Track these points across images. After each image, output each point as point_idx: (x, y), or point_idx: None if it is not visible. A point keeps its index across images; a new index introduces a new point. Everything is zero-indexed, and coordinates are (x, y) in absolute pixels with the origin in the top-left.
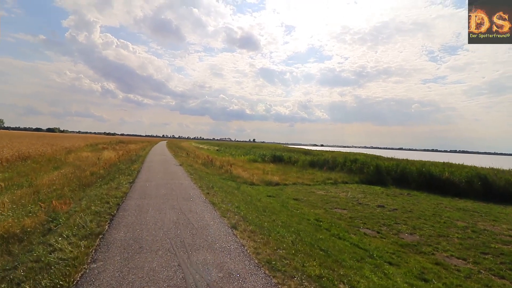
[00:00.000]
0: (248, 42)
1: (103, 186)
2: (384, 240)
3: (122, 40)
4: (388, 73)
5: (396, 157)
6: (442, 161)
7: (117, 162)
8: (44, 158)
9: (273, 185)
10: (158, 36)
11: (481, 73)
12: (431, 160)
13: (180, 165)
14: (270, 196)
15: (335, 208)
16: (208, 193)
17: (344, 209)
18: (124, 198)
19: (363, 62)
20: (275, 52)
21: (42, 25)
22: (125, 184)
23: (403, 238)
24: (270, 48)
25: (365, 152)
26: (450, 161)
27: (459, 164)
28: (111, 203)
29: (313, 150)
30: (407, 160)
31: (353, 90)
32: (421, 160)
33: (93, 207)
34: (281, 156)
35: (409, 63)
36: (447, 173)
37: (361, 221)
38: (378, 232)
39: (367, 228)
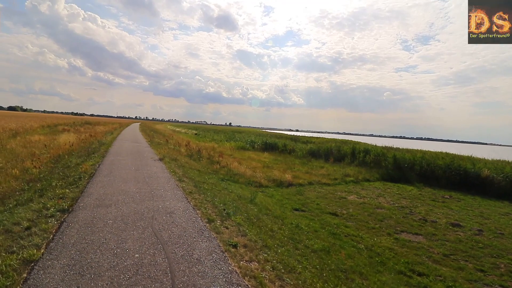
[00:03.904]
0: (225, 22)
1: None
2: None
3: (89, 13)
4: (363, 60)
5: (415, 149)
6: (467, 155)
7: (70, 151)
8: None
9: (286, 187)
10: (129, 10)
11: (450, 63)
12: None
13: (161, 159)
14: (297, 210)
15: (400, 231)
16: (233, 246)
17: (414, 233)
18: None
19: (340, 48)
20: (253, 33)
21: None
22: (53, 213)
23: None
24: (248, 29)
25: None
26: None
27: (486, 159)
28: None
29: (306, 136)
30: (432, 152)
31: (329, 76)
32: (445, 152)
33: None
34: (274, 144)
35: (384, 51)
36: (486, 171)
37: (468, 263)
38: None
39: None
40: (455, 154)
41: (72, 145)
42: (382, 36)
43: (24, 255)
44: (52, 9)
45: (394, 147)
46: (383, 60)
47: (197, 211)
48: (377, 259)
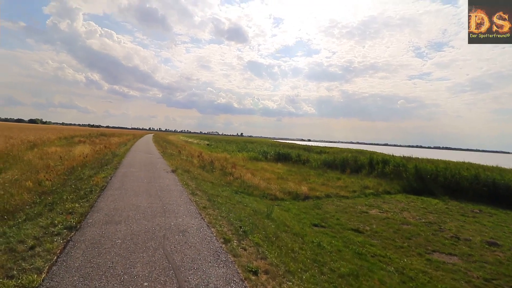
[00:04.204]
0: (236, 34)
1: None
2: None
3: (106, 29)
4: (375, 68)
5: (435, 158)
6: (493, 165)
7: (84, 162)
8: None
9: (302, 199)
10: (143, 26)
11: (465, 70)
12: (444, 160)
13: (173, 171)
14: (316, 225)
15: (431, 251)
16: (254, 273)
17: (448, 253)
18: None
19: (351, 56)
20: (263, 44)
21: (23, 11)
22: (60, 230)
23: None
24: (258, 41)
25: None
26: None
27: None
28: None
29: (319, 146)
30: (454, 162)
31: (340, 85)
32: (468, 162)
33: None
34: (287, 154)
35: (396, 59)
36: None
37: None
38: None
39: None
40: (479, 164)
41: (86, 156)
42: (394, 43)
43: (23, 281)
44: (71, 27)
45: (413, 157)
46: (395, 68)
47: (212, 229)
48: (411, 284)
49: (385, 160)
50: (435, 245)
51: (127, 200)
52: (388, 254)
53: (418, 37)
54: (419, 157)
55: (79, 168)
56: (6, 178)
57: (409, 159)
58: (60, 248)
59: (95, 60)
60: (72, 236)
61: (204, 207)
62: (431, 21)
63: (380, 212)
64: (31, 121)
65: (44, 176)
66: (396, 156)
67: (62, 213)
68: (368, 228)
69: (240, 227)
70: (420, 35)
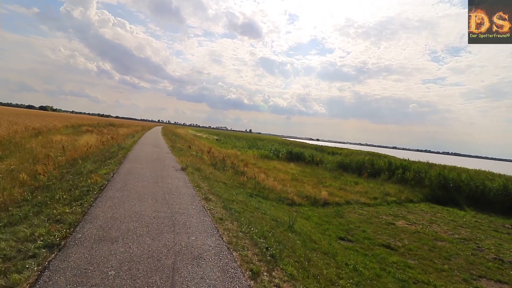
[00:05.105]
0: (249, 29)
1: None
2: None
3: (119, 18)
4: (389, 70)
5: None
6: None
7: (87, 154)
8: None
9: (321, 205)
10: (156, 17)
11: (481, 76)
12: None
13: (183, 169)
14: (343, 239)
15: (477, 277)
16: None
17: (496, 280)
18: None
19: (365, 57)
20: (276, 41)
21: None
22: (38, 248)
23: None
24: (272, 37)
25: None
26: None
27: None
28: None
29: (330, 146)
30: (472, 170)
31: (352, 86)
32: (489, 171)
33: None
34: (299, 154)
35: (411, 62)
36: None
37: None
38: None
39: None
40: (501, 174)
41: (90, 147)
42: (410, 46)
43: None
44: (84, 14)
45: (435, 163)
46: (410, 71)
47: (234, 253)
48: None
49: (404, 165)
50: (479, 268)
51: (128, 206)
52: (431, 280)
53: (435, 40)
54: (434, 163)
55: (80, 161)
56: (1, 168)
57: (431, 165)
58: (30, 281)
59: (107, 49)
60: (51, 260)
61: (221, 219)
62: (450, 24)
63: (407, 224)
64: (42, 108)
65: (41, 169)
66: (416, 161)
67: (47, 220)
68: (400, 244)
69: (267, 248)
70: (437, 38)
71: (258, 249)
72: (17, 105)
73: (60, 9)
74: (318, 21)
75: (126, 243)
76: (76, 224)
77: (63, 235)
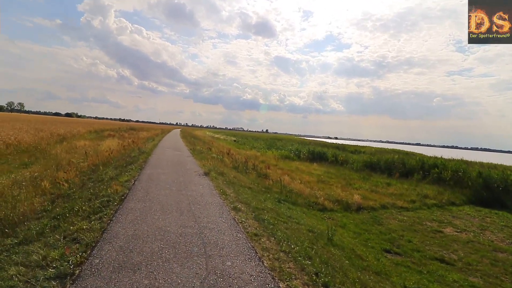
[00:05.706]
0: (263, 28)
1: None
2: None
3: (136, 25)
4: (410, 63)
5: (494, 163)
6: None
7: (108, 159)
8: (18, 149)
9: (355, 211)
10: (171, 21)
11: None
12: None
13: (206, 174)
14: (389, 251)
15: None
16: None
17: None
18: None
19: (384, 51)
20: (291, 39)
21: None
22: (47, 280)
23: None
24: (286, 35)
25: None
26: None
27: None
28: None
29: (351, 145)
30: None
31: (371, 81)
32: None
33: None
34: (322, 153)
35: (434, 54)
36: None
37: None
38: None
39: None
40: None
41: (112, 152)
42: (433, 37)
43: None
44: (103, 23)
45: (468, 160)
46: (433, 63)
47: (281, 286)
48: None
49: (440, 163)
50: None
51: (151, 220)
52: None
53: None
54: (468, 160)
55: (101, 167)
56: (26, 175)
57: (470, 163)
58: None
59: (126, 56)
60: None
61: (256, 234)
62: None
63: (457, 232)
64: (67, 114)
65: (63, 176)
66: (450, 159)
67: (64, 238)
68: (455, 257)
69: (316, 274)
70: (462, 27)
71: (307, 276)
72: (45, 113)
73: (81, 19)
74: (333, 16)
75: (151, 272)
76: (94, 244)
77: (79, 260)
